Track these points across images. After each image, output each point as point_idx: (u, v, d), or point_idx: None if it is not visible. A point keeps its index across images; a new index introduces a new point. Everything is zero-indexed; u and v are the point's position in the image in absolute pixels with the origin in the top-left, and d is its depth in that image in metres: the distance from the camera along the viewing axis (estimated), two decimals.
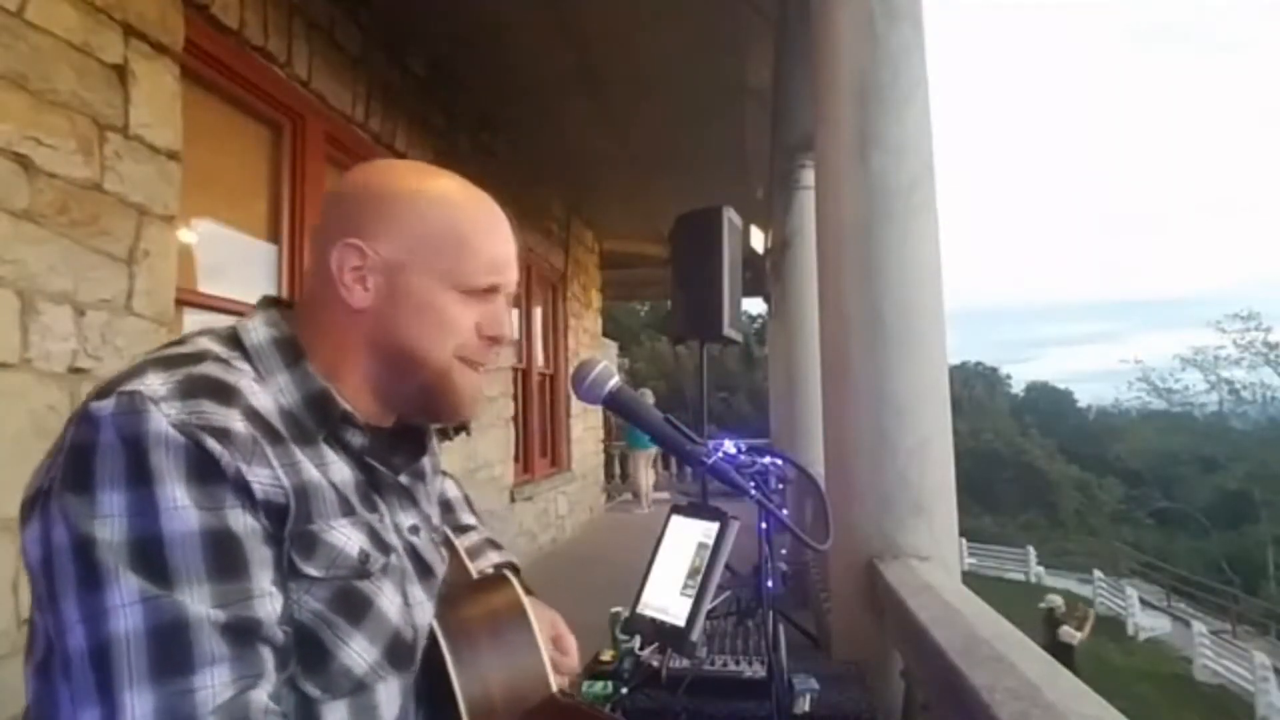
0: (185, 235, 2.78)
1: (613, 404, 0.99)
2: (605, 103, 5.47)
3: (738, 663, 1.70)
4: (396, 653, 0.70)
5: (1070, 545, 29.49)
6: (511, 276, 0.79)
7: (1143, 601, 19.62)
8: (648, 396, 8.11)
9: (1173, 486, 34.37)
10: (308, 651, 0.64)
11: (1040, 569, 23.41)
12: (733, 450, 1.05)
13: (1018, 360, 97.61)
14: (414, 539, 0.76)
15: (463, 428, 3.46)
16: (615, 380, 0.99)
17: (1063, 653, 10.03)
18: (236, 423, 0.62)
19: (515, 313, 6.42)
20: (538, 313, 7.51)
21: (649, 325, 31.76)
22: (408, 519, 0.76)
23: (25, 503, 0.62)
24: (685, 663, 1.64)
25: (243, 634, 0.58)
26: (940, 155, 2.37)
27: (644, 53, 4.78)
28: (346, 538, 0.67)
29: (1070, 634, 10.71)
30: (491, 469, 5.64)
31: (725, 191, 6.01)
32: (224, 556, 0.59)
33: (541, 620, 0.86)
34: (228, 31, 2.91)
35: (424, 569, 0.76)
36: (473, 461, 5.22)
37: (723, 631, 1.89)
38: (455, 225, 0.74)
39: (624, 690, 1.61)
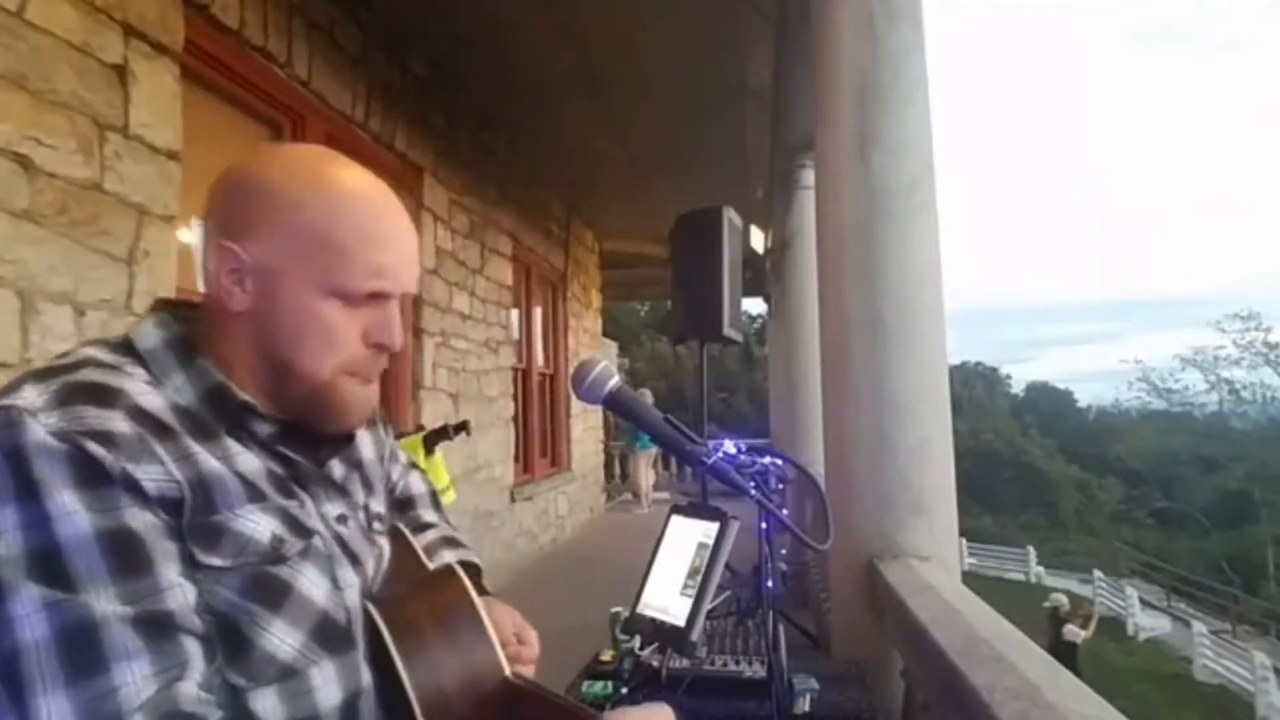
0: (185, 235, 2.78)
1: (613, 404, 0.99)
2: (605, 103, 5.47)
3: (738, 663, 1.70)
4: (327, 635, 0.69)
5: (1070, 545, 29.49)
6: (405, 279, 0.73)
7: (1143, 601, 19.61)
8: (646, 396, 8.11)
9: (1173, 486, 34.37)
10: (228, 641, 0.63)
11: (1040, 569, 23.40)
12: (733, 450, 1.05)
13: (1018, 360, 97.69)
14: (341, 529, 0.75)
15: (463, 427, 3.46)
16: (615, 380, 0.99)
17: (1067, 651, 10.08)
18: (119, 424, 0.61)
19: (515, 313, 6.45)
20: (538, 313, 7.51)
21: (649, 325, 31.76)
22: (334, 509, 0.75)
23: None
24: (685, 663, 1.64)
25: (157, 627, 0.58)
26: (940, 155, 2.38)
27: (644, 53, 4.78)
28: (255, 524, 0.66)
29: (1074, 633, 10.75)
30: (491, 469, 5.64)
31: (725, 191, 6.01)
32: (125, 555, 0.58)
33: (501, 615, 0.86)
34: (228, 31, 2.91)
35: (352, 558, 0.75)
36: (473, 461, 5.22)
37: (723, 631, 1.89)
38: (334, 226, 0.69)
39: (624, 690, 1.61)
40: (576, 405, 8.08)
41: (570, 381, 1.01)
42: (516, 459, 6.39)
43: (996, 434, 38.24)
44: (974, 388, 43.55)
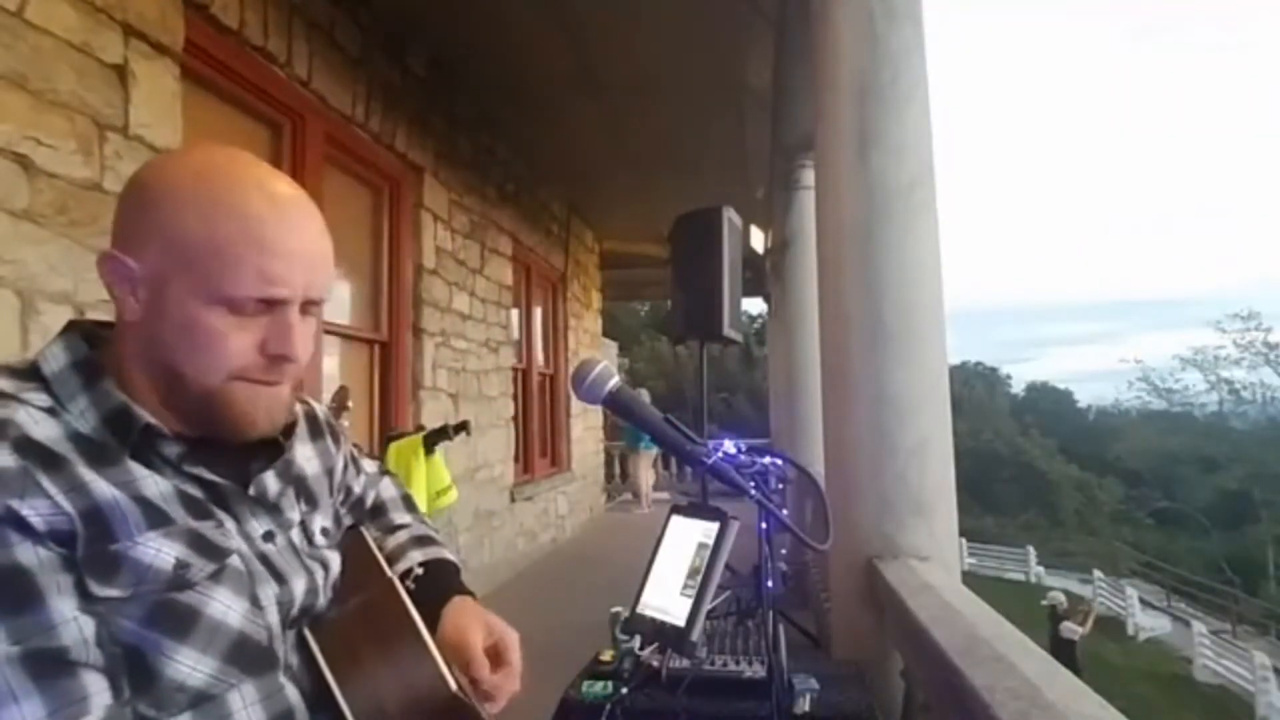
0: None
1: (613, 404, 0.99)
2: (606, 103, 5.47)
3: (738, 663, 1.70)
4: (246, 656, 0.67)
5: (1070, 545, 29.48)
6: (302, 285, 0.69)
7: (1143, 601, 19.61)
8: (644, 395, 8.12)
9: (1173, 486, 34.38)
10: (135, 671, 0.62)
11: (1040, 569, 23.41)
12: (733, 450, 1.05)
13: (1018, 360, 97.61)
14: (266, 547, 0.73)
15: (463, 427, 3.46)
16: (615, 380, 0.99)
17: (1065, 648, 10.12)
18: (3, 458, 0.59)
19: (515, 313, 6.45)
20: (538, 313, 7.51)
21: (649, 325, 31.77)
22: (260, 526, 0.73)
23: None
24: (685, 663, 1.64)
25: (49, 664, 0.56)
26: (940, 155, 2.38)
27: (644, 52, 4.78)
28: (155, 551, 0.64)
29: (1072, 630, 10.79)
30: (491, 469, 5.64)
31: (725, 191, 6.01)
32: (12, 592, 0.57)
33: (472, 623, 0.84)
34: (228, 31, 2.91)
35: (276, 577, 0.73)
36: (473, 461, 5.22)
37: (723, 631, 1.89)
38: (218, 232, 0.65)
39: (624, 690, 1.61)
40: (576, 405, 8.08)
41: (570, 381, 1.01)
42: (516, 459, 6.39)
43: (996, 434, 38.25)
44: (974, 388, 43.55)
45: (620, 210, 8.55)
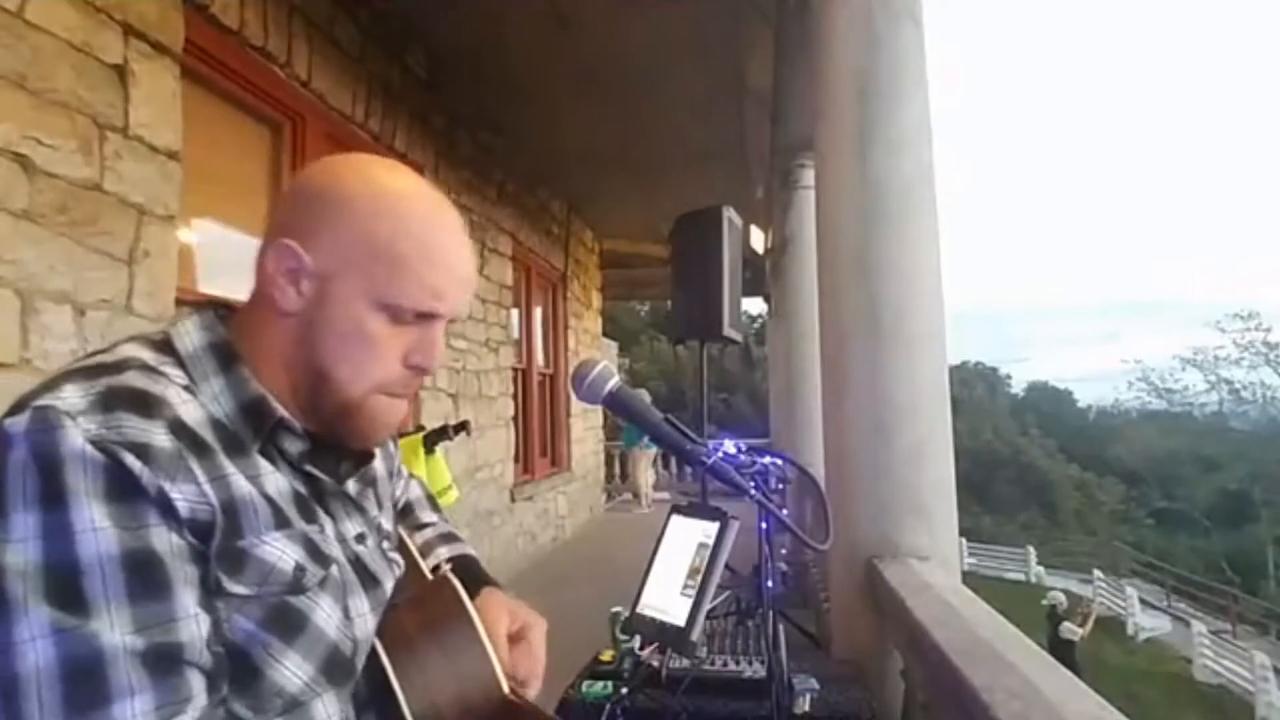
0: (185, 235, 2.78)
1: (613, 404, 0.99)
2: (605, 102, 5.47)
3: (738, 663, 1.70)
4: (334, 668, 0.67)
5: (1070, 545, 29.47)
6: (456, 304, 0.72)
7: (1143, 601, 19.60)
8: (644, 395, 8.11)
9: (1173, 486, 34.40)
10: (238, 671, 0.61)
11: (1040, 569, 23.39)
12: (733, 450, 1.05)
13: (1018, 360, 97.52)
14: (359, 548, 0.73)
15: (463, 427, 3.46)
16: (615, 380, 0.99)
17: (1064, 649, 10.11)
18: (159, 437, 0.59)
19: (515, 313, 6.45)
20: (538, 313, 7.51)
21: (649, 325, 31.77)
22: (353, 528, 0.73)
23: None
24: (685, 663, 1.64)
25: (164, 660, 0.56)
26: (940, 155, 2.37)
27: (644, 52, 4.78)
28: (280, 552, 0.64)
29: (1071, 630, 10.79)
30: (492, 469, 5.64)
31: (725, 191, 6.01)
32: (145, 579, 0.56)
33: (499, 616, 0.83)
34: (228, 31, 2.91)
35: (369, 579, 0.73)
36: (473, 461, 5.22)
37: (723, 631, 1.89)
38: (399, 241, 0.67)
39: (624, 690, 1.61)
40: (576, 405, 8.08)
41: (570, 381, 1.00)
42: (516, 459, 6.39)
43: (996, 434, 38.24)
44: (974, 388, 43.53)
45: (620, 210, 8.55)
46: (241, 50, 3.02)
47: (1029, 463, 36.90)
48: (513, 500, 6.08)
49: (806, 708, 1.56)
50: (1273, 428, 33.93)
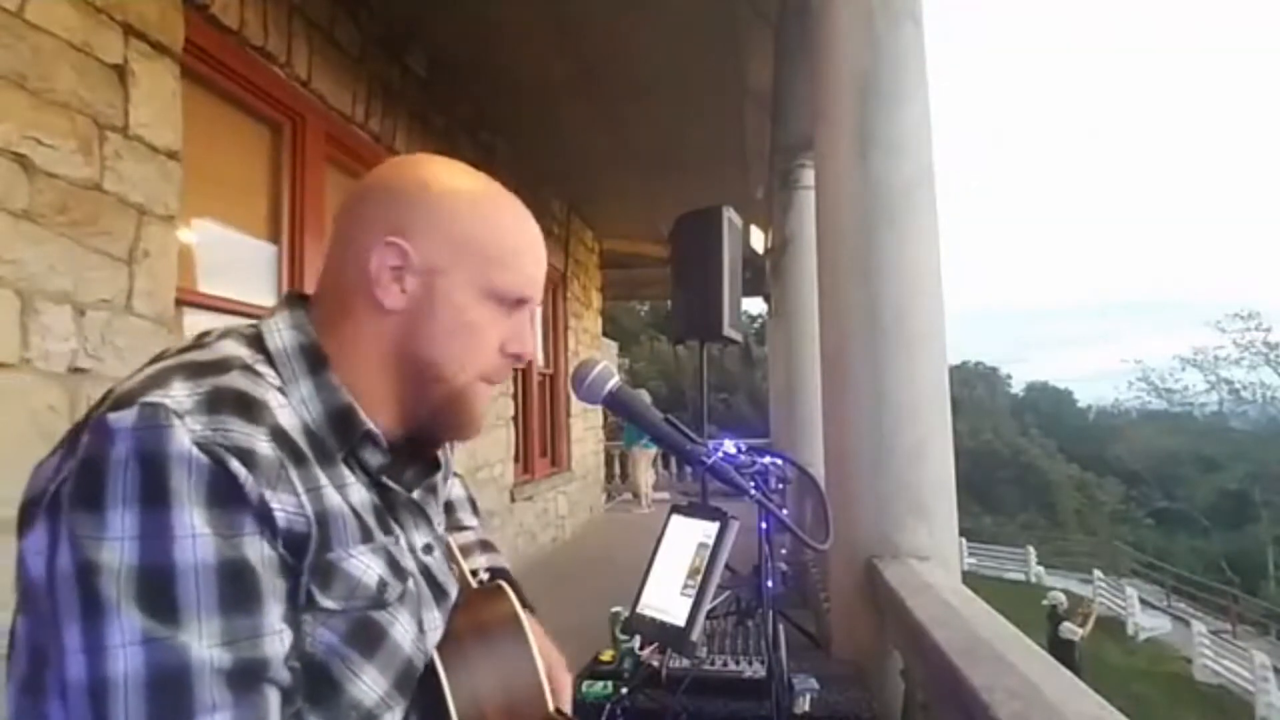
0: (185, 235, 2.78)
1: (613, 404, 0.99)
2: (605, 102, 5.47)
3: (738, 663, 1.70)
4: (406, 681, 0.66)
5: (1070, 545, 29.48)
6: (540, 288, 0.76)
7: (1143, 601, 19.60)
8: (643, 395, 8.11)
9: (1173, 486, 34.39)
10: (317, 684, 0.60)
11: (1040, 569, 23.39)
12: (733, 450, 1.05)
13: (1018, 360, 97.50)
14: (428, 559, 0.73)
15: None
16: (615, 380, 0.99)
17: (1064, 649, 10.10)
18: (262, 443, 0.58)
19: None
20: (537, 313, 7.50)
21: (649, 325, 31.77)
22: (421, 538, 0.73)
23: (26, 504, 0.58)
24: (685, 663, 1.64)
25: (247, 677, 0.55)
26: (940, 155, 2.37)
27: (644, 52, 4.78)
28: (366, 566, 0.63)
29: (1072, 630, 10.78)
30: (492, 469, 5.64)
31: (725, 191, 6.01)
32: (237, 590, 0.55)
33: (541, 640, 0.82)
34: (228, 31, 2.91)
35: (438, 591, 0.73)
36: (473, 461, 5.22)
37: (723, 631, 1.89)
38: (500, 232, 0.72)
39: (624, 690, 1.61)
40: (576, 405, 8.08)
41: (570, 381, 1.00)
42: (516, 459, 6.39)
43: (996, 434, 38.25)
44: (974, 388, 43.54)
45: (620, 210, 8.55)
46: (241, 50, 3.02)
47: (1029, 463, 36.91)
48: (513, 500, 6.08)
49: (806, 708, 1.56)
50: (1273, 428, 33.95)
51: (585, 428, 8.82)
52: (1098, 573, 21.54)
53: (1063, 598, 11.87)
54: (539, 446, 7.26)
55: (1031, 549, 24.38)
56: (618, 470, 11.89)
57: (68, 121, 2.16)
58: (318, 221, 3.51)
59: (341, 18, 3.72)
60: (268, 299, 3.32)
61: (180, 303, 2.64)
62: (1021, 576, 23.05)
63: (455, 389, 0.71)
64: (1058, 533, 31.88)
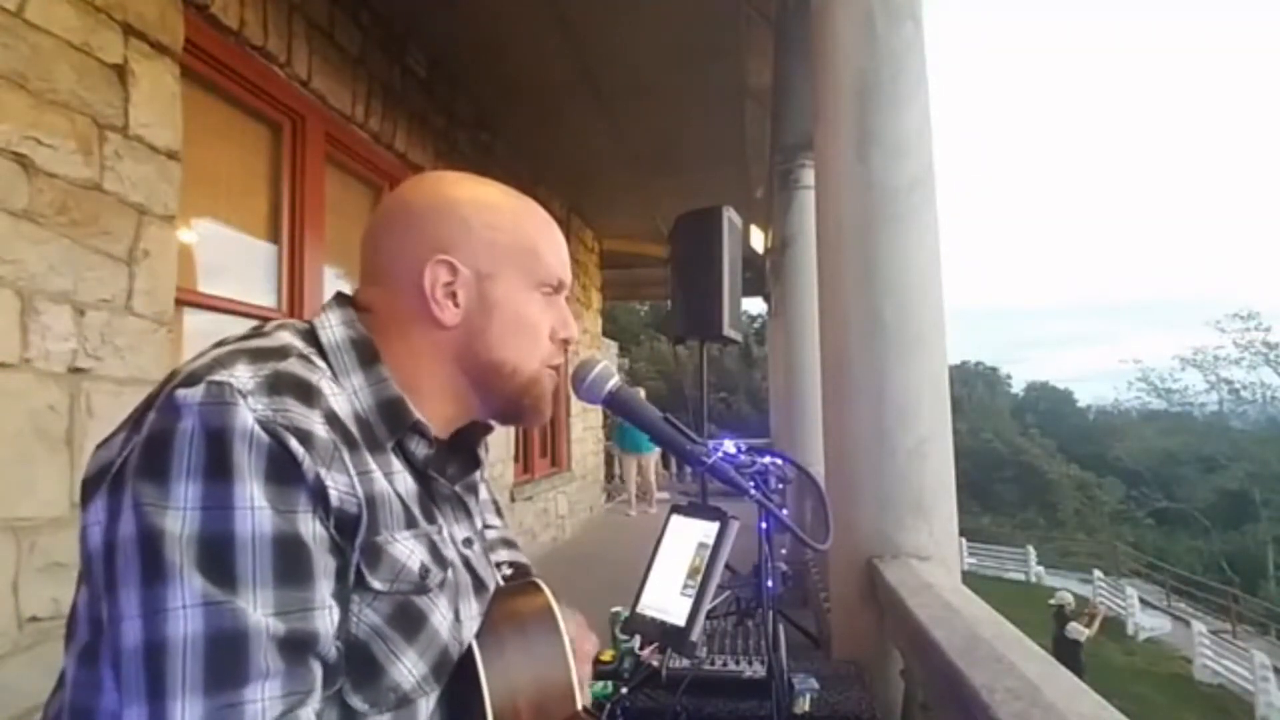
0: (185, 235, 2.78)
1: (612, 404, 0.99)
2: (605, 102, 5.46)
3: (738, 663, 1.70)
4: (441, 669, 0.68)
5: (1070, 545, 29.49)
6: (569, 275, 0.83)
7: (1143, 601, 19.61)
8: (639, 392, 8.11)
9: (1173, 486, 34.37)
10: (359, 664, 0.62)
11: (1040, 569, 23.41)
12: (733, 450, 1.05)
13: (1018, 360, 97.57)
14: (468, 551, 0.75)
15: None
16: (615, 380, 0.98)
17: (1070, 649, 10.09)
18: (318, 425, 0.61)
19: None
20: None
21: (649, 325, 31.76)
22: (461, 531, 0.76)
23: (89, 479, 0.60)
24: (685, 663, 1.64)
25: (299, 648, 0.57)
26: (941, 155, 2.37)
27: (644, 52, 4.77)
28: (409, 551, 0.66)
29: (1078, 630, 10.75)
30: (492, 468, 5.64)
31: (725, 191, 6.01)
32: (291, 563, 0.57)
33: (567, 625, 0.84)
34: (228, 31, 2.91)
35: (478, 583, 0.76)
36: None
37: (723, 631, 1.89)
38: (529, 228, 0.78)
39: (624, 690, 1.61)
40: (576, 405, 8.08)
41: (570, 381, 1.00)
42: (516, 459, 6.39)
43: (996, 434, 38.25)
44: (974, 388, 43.56)
45: (620, 210, 8.55)
46: (241, 50, 3.02)
47: (1029, 463, 36.90)
48: (512, 500, 6.08)
49: (806, 708, 1.56)
50: (1273, 428, 33.95)
51: (585, 428, 8.82)
52: (1098, 572, 21.56)
53: (1069, 598, 11.84)
54: (539, 446, 7.26)
55: (1031, 549, 24.40)
56: (618, 470, 11.89)
57: (68, 121, 2.16)
58: (318, 221, 3.51)
59: (341, 18, 3.72)
60: (268, 299, 3.32)
61: (180, 303, 2.64)
62: (1022, 576, 23.06)
63: (525, 381, 0.77)
64: (1058, 532, 31.90)
